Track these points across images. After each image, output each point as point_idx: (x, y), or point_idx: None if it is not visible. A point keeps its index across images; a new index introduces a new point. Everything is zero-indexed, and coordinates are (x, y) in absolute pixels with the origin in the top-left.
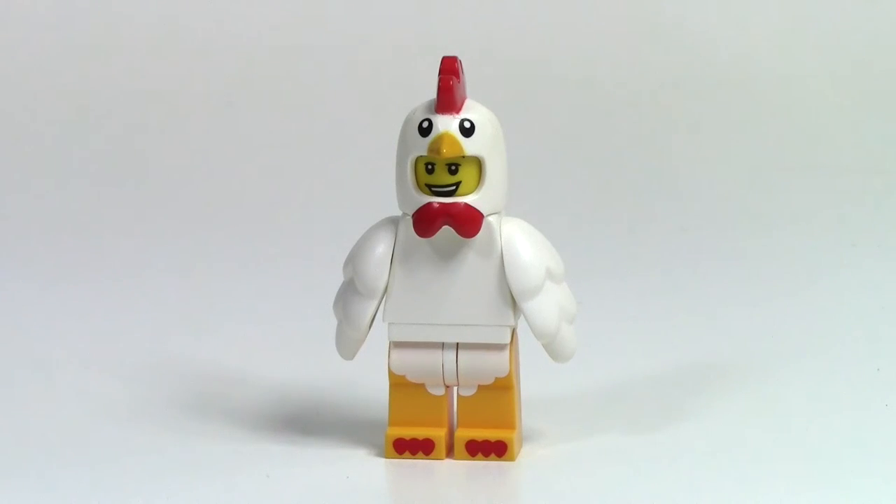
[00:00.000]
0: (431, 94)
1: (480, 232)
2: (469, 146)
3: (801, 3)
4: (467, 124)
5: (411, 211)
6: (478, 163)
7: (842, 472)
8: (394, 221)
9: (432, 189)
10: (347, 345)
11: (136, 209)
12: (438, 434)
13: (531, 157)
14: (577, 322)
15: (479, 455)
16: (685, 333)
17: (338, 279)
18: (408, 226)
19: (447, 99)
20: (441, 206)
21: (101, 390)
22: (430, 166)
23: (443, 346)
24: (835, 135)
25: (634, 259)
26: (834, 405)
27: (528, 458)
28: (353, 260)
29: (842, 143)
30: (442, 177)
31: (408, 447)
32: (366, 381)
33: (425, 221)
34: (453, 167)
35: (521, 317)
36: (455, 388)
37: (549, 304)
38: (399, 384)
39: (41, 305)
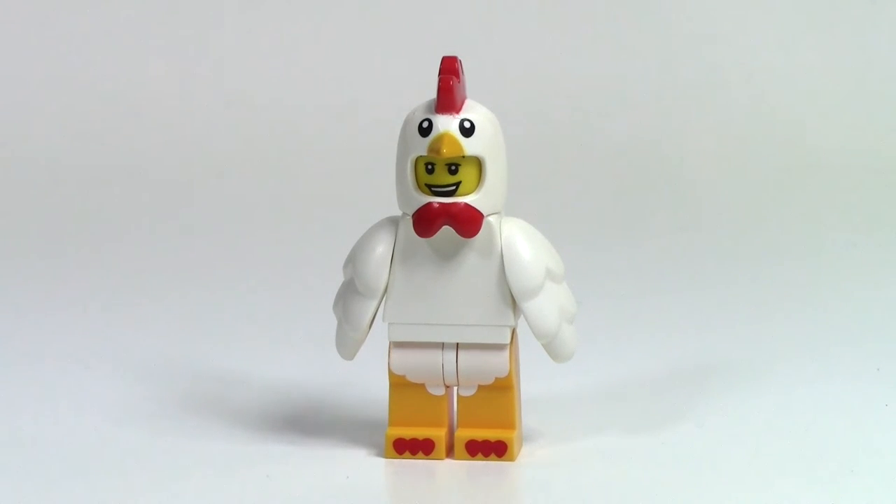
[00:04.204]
0: (432, 94)
1: (480, 232)
2: (469, 146)
3: (801, 3)
4: (467, 124)
5: (411, 211)
6: (478, 163)
7: (842, 472)
8: (394, 221)
9: (432, 189)
10: (347, 345)
11: (136, 209)
12: (438, 434)
13: (531, 157)
14: (577, 322)
15: (479, 455)
16: (685, 333)
17: (338, 279)
18: (408, 226)
19: (447, 99)
20: (441, 206)
21: (101, 391)
22: (430, 166)
23: (443, 346)
24: (835, 134)
25: (634, 259)
26: (834, 405)
27: (528, 458)
28: (353, 260)
29: (842, 142)
30: (442, 177)
31: (408, 447)
32: (366, 381)
33: (425, 221)
34: (453, 167)
35: (521, 317)
36: (455, 388)
37: (549, 304)
38: (399, 384)
39: (41, 306)
